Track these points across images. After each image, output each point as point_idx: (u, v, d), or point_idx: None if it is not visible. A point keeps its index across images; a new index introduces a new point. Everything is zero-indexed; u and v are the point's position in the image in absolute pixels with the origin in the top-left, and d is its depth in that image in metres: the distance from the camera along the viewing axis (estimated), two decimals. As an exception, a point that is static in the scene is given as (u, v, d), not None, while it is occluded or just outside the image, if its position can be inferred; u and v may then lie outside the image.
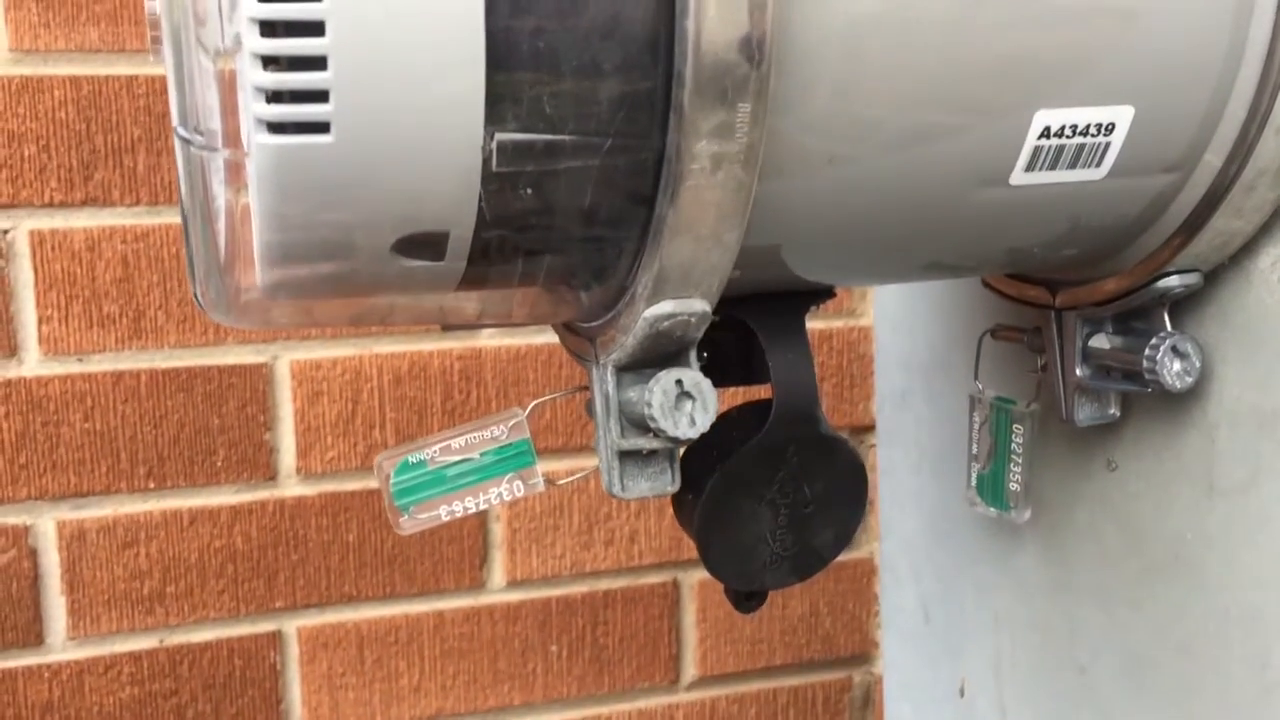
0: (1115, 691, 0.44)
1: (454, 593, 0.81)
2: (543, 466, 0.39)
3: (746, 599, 0.39)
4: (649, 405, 0.32)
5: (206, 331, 0.75)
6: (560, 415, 0.79)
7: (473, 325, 0.37)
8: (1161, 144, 0.34)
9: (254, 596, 0.77)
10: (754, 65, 0.29)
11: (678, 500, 0.37)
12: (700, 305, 0.32)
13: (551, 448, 0.80)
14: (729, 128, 0.29)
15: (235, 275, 0.31)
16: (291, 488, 0.78)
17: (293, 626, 0.78)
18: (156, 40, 0.36)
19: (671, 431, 0.32)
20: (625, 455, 0.35)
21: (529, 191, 0.30)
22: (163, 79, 0.72)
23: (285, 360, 0.77)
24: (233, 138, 0.29)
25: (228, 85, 0.29)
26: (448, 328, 0.36)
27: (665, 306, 0.32)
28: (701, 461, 0.36)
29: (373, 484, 0.78)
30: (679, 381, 0.33)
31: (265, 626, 0.78)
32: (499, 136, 0.29)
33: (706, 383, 0.33)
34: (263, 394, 0.76)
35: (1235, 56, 0.34)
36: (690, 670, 0.86)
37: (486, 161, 0.29)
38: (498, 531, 0.82)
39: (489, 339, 0.78)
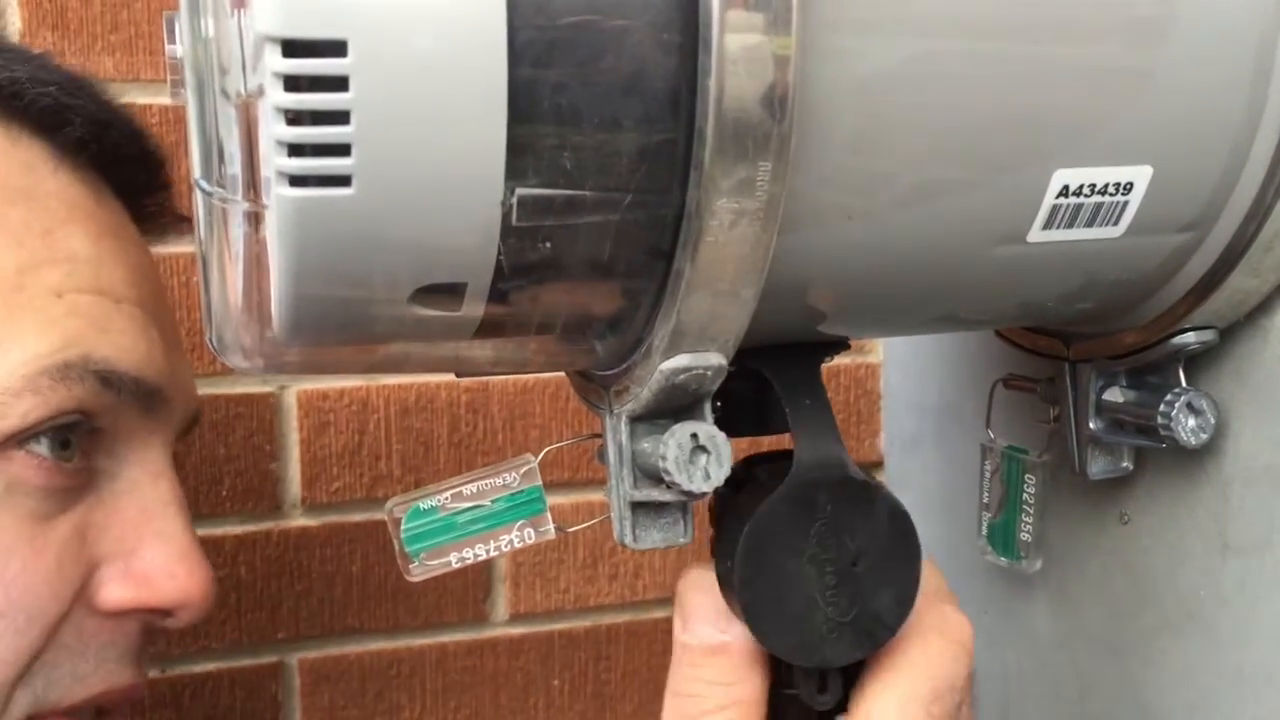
0: (1125, 746, 0.44)
1: (457, 626, 0.81)
2: (549, 500, 0.38)
3: (820, 691, 0.36)
4: (663, 459, 0.32)
5: (215, 360, 0.75)
6: (567, 449, 0.79)
7: (487, 373, 0.37)
8: (1179, 203, 0.34)
9: (256, 627, 0.77)
10: (775, 123, 0.29)
11: (721, 575, 0.36)
12: (716, 359, 0.32)
13: (558, 481, 0.79)
14: (749, 185, 0.29)
15: (251, 322, 0.31)
16: (296, 518, 0.78)
17: (295, 658, 0.78)
18: (176, 84, 0.36)
19: (686, 485, 0.32)
20: (638, 506, 0.35)
21: (548, 245, 0.30)
22: (176, 109, 0.73)
23: (293, 391, 0.77)
24: (253, 186, 0.29)
25: (250, 133, 0.29)
26: (461, 374, 0.36)
27: (681, 360, 0.32)
28: (734, 526, 0.35)
29: (378, 516, 0.78)
30: (694, 435, 0.32)
31: (267, 658, 0.78)
32: (520, 191, 0.29)
33: (721, 436, 0.33)
34: (269, 424, 0.76)
35: (1254, 117, 0.34)
36: (693, 707, 0.85)
37: (506, 216, 0.29)
38: (502, 565, 0.82)
39: (497, 372, 0.78)
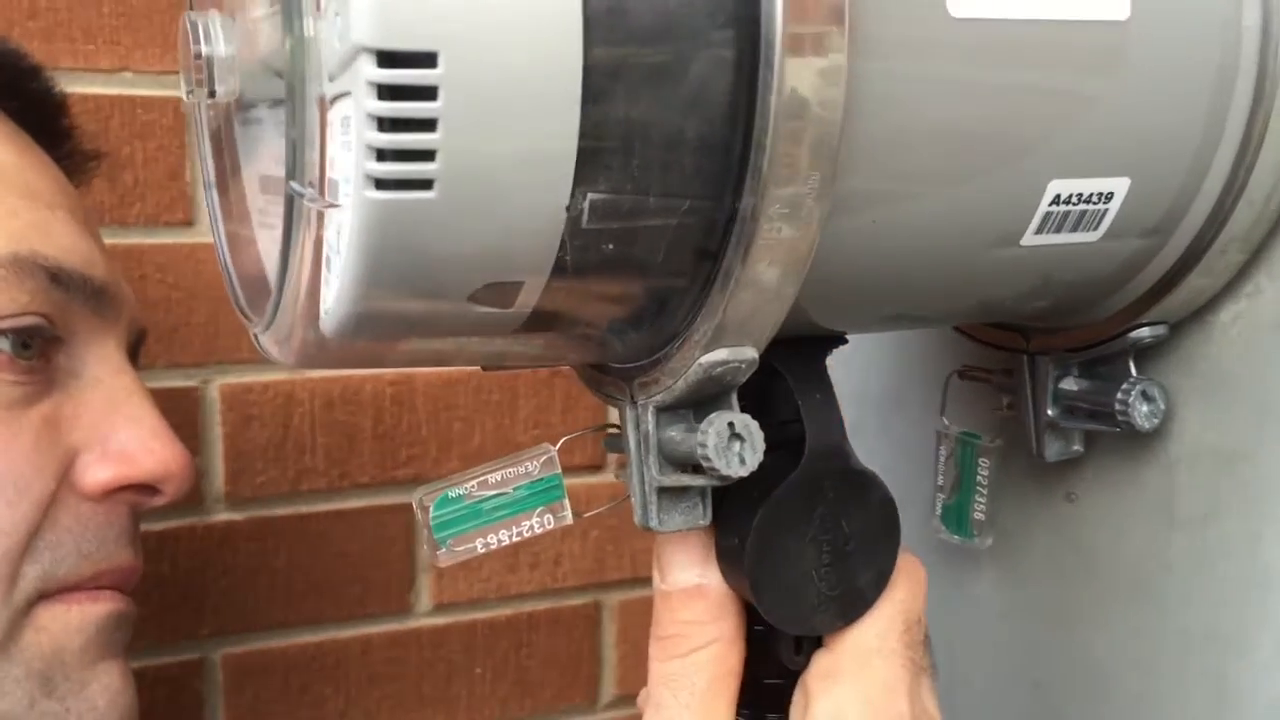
0: (1071, 707, 0.48)
1: (381, 617, 0.81)
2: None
3: (796, 652, 0.40)
4: (703, 446, 0.34)
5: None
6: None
7: (524, 366, 0.38)
8: (1148, 211, 0.38)
9: (179, 624, 0.76)
10: (827, 135, 0.31)
11: (722, 550, 0.39)
12: (751, 353, 0.34)
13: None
14: (801, 191, 0.31)
15: (311, 319, 0.32)
16: (220, 513, 0.77)
17: (218, 654, 0.78)
18: (200, 84, 0.37)
19: (724, 470, 0.35)
20: (663, 491, 0.37)
21: (610, 246, 0.32)
22: (96, 98, 0.71)
23: (215, 385, 0.76)
24: (330, 188, 0.30)
25: (322, 135, 0.30)
26: (488, 368, 0.38)
27: (720, 354, 0.34)
28: (742, 506, 0.38)
29: (303, 509, 0.78)
30: (730, 424, 0.35)
31: (191, 654, 0.77)
32: (591, 195, 0.30)
33: (754, 424, 0.35)
34: (193, 418, 0.76)
35: (1214, 135, 0.38)
36: (609, 690, 0.87)
37: (576, 219, 0.31)
38: (424, 555, 0.82)
39: (421, 365, 0.79)
